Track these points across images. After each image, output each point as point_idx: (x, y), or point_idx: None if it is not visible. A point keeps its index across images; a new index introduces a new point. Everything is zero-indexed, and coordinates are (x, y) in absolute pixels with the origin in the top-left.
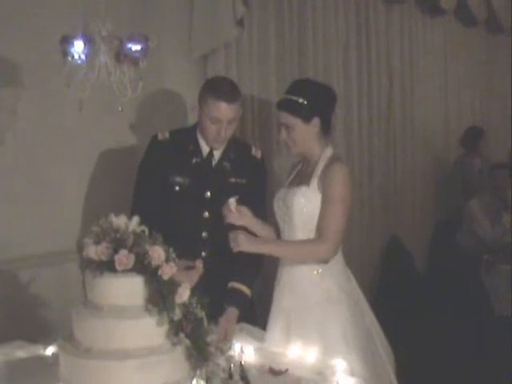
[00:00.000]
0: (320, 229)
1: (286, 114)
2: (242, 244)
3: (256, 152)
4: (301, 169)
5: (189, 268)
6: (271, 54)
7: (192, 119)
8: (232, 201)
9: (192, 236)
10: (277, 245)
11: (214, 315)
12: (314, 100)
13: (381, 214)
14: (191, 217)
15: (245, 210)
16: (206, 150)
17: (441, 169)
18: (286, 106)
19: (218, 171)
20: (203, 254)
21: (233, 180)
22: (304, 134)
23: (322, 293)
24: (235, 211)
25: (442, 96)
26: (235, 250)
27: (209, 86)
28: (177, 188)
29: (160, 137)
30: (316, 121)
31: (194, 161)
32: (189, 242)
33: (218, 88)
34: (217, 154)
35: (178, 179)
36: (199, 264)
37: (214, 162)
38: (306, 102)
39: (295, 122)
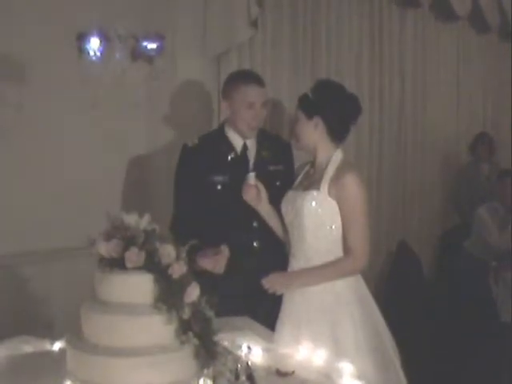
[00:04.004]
0: (348, 244)
1: (296, 107)
2: (277, 285)
3: (285, 139)
4: (309, 171)
5: (215, 254)
6: (284, 55)
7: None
8: (252, 175)
9: (243, 228)
10: (309, 274)
11: (269, 305)
12: (320, 98)
13: (389, 219)
14: (240, 210)
15: (263, 190)
16: (239, 144)
17: (450, 175)
18: (299, 99)
19: (257, 161)
20: (255, 244)
21: (272, 168)
22: (305, 130)
23: (332, 295)
24: (254, 185)
25: (454, 102)
26: (278, 292)
27: (237, 75)
28: (219, 187)
29: (190, 144)
30: (317, 120)
31: (229, 157)
32: (240, 234)
33: (247, 75)
34: (251, 145)
35: (218, 178)
36: (224, 249)
37: (249, 154)
38: (311, 98)
39: (299, 114)
